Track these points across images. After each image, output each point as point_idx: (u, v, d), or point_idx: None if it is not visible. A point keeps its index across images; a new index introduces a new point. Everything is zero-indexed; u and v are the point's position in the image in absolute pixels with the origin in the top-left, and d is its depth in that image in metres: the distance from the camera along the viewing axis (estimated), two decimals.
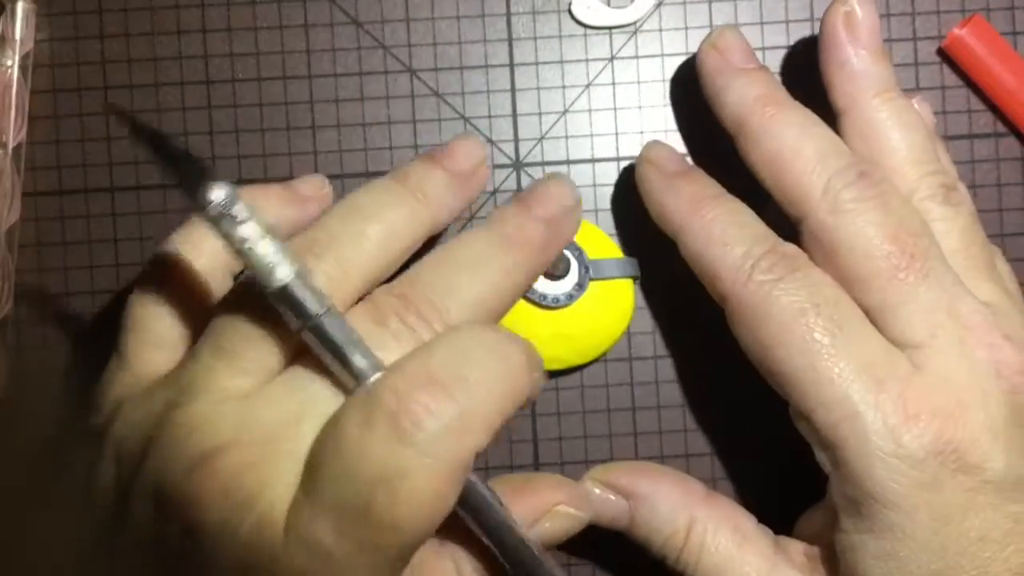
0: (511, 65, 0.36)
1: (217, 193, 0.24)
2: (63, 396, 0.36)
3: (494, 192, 0.36)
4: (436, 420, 0.24)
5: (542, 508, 0.29)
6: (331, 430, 0.25)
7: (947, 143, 0.36)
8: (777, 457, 0.35)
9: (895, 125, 0.31)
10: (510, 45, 0.36)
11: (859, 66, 0.31)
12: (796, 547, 0.31)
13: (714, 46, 0.32)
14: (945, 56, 0.36)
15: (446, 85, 0.36)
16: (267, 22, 0.36)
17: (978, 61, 0.35)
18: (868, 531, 0.28)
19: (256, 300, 0.26)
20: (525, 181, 0.36)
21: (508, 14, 0.36)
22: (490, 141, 0.36)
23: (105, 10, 0.36)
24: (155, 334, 0.28)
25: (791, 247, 0.30)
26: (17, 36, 0.35)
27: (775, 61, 0.36)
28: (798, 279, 0.29)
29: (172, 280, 0.29)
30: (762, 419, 0.35)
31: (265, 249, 0.24)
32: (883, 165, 0.31)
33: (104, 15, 0.36)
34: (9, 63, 0.35)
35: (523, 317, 0.34)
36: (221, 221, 0.24)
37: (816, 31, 0.36)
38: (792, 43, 0.36)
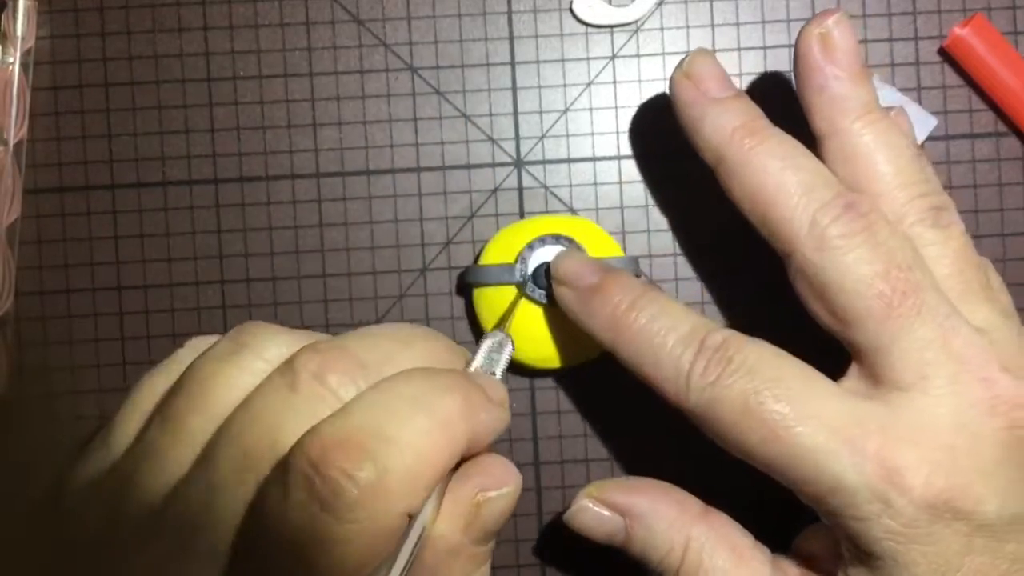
0: (512, 63, 0.36)
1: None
2: (63, 394, 0.36)
3: (494, 191, 0.36)
4: (355, 485, 0.23)
5: (466, 502, 0.26)
6: (253, 507, 0.24)
7: (948, 143, 0.36)
8: None
9: (880, 148, 0.30)
10: (511, 43, 0.36)
11: (838, 90, 0.30)
12: (793, 569, 0.31)
13: (686, 75, 0.31)
14: (946, 56, 0.36)
15: (447, 83, 0.36)
16: (268, 19, 0.36)
17: (979, 60, 0.35)
18: (869, 574, 0.28)
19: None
20: (526, 179, 0.36)
21: (509, 12, 0.36)
22: (491, 139, 0.36)
23: (106, 7, 0.36)
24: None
25: (719, 336, 0.29)
26: (18, 33, 0.35)
27: (779, 61, 0.36)
28: (734, 371, 0.28)
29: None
30: None
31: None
32: (869, 190, 0.30)
33: (105, 12, 0.36)
34: (10, 60, 0.35)
35: (524, 316, 0.34)
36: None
37: None
38: (793, 43, 0.36)
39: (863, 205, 0.29)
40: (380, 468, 0.23)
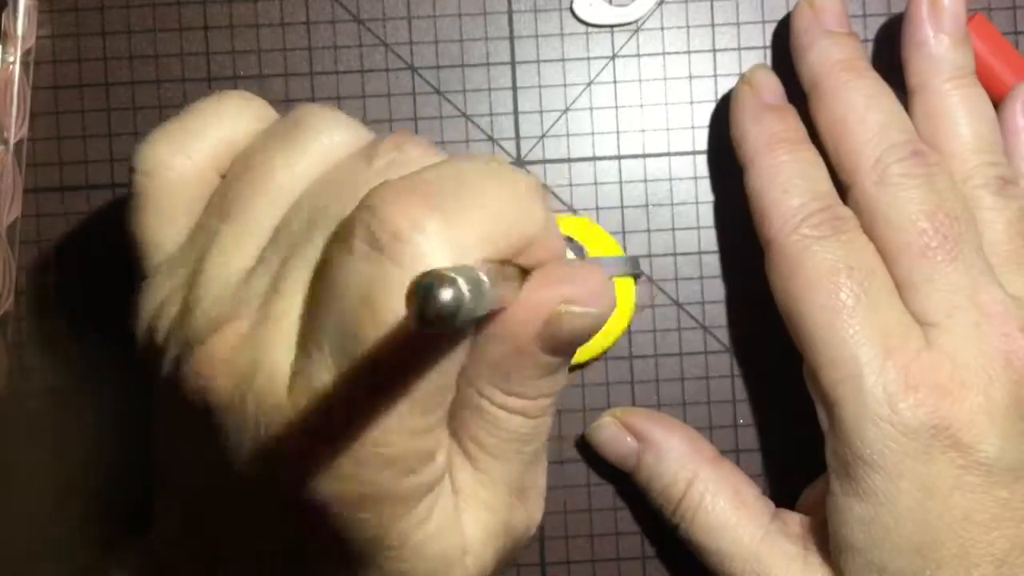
0: (512, 63, 0.36)
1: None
2: (63, 393, 0.36)
3: None
4: (417, 229, 0.21)
5: (544, 309, 0.24)
6: (320, 264, 0.23)
7: None
8: (777, 459, 0.35)
9: (964, 111, 0.32)
10: (512, 43, 0.36)
11: (936, 49, 0.32)
12: (794, 518, 0.32)
13: (811, 5, 0.33)
14: None
15: (447, 83, 0.36)
16: (269, 19, 0.36)
17: (980, 60, 0.35)
18: (854, 494, 0.29)
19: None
20: None
21: (510, 11, 0.36)
22: (491, 139, 0.36)
23: (107, 7, 0.36)
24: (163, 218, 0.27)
25: (845, 211, 0.31)
26: (19, 32, 0.35)
27: (780, 61, 0.36)
28: (841, 241, 0.30)
29: (163, 187, 0.27)
30: (765, 419, 0.35)
31: None
32: (945, 148, 0.31)
33: (106, 11, 0.36)
34: (11, 59, 0.35)
35: None
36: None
37: None
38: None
39: (930, 156, 0.31)
40: (446, 220, 0.21)
